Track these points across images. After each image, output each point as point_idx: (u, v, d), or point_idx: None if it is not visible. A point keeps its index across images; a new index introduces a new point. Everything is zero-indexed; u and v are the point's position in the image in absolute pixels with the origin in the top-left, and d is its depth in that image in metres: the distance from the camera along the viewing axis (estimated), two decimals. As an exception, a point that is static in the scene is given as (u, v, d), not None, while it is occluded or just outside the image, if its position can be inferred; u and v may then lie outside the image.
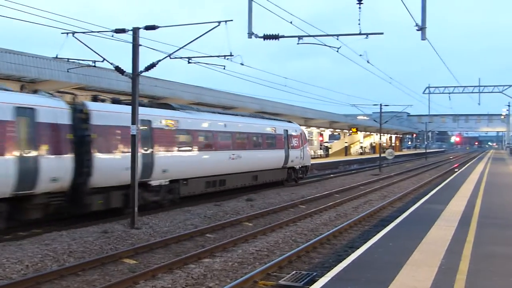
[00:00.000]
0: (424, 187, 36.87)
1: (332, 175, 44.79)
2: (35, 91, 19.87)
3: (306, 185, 37.07)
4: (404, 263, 10.93)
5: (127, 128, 19.91)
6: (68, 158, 18.51)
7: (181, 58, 20.68)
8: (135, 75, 19.12)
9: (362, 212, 23.64)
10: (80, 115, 19.59)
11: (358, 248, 12.89)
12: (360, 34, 20.23)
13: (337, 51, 21.59)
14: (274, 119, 37.65)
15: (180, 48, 19.31)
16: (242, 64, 21.88)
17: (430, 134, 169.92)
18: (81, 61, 21.71)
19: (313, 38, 21.33)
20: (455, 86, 72.19)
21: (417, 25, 18.64)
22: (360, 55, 23.68)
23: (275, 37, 20.65)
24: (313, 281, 10.91)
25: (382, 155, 57.77)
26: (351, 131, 75.61)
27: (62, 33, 18.94)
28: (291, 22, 19.03)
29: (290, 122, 39.14)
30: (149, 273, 12.75)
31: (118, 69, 19.36)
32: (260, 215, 22.47)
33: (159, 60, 19.32)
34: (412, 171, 56.66)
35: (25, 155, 16.97)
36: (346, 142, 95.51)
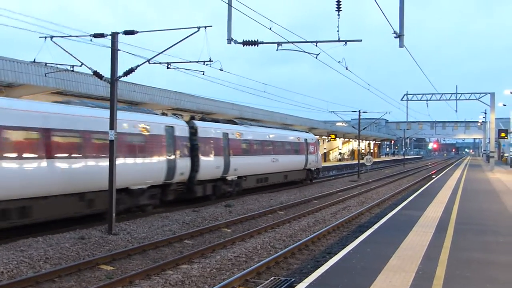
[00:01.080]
0: (402, 193, 37.08)
1: (309, 182, 45.19)
2: (164, 114, 28.32)
3: (285, 191, 37.10)
4: (381, 268, 10.97)
5: (216, 139, 29.26)
6: (188, 160, 26.40)
7: (160, 63, 20.63)
8: (113, 80, 19.03)
9: (340, 218, 23.71)
10: (192, 130, 27.36)
11: (336, 254, 12.91)
12: (338, 41, 20.33)
13: (316, 58, 21.68)
14: (297, 130, 47.36)
15: (159, 53, 19.27)
16: (221, 70, 21.88)
17: (408, 140, 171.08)
18: (59, 66, 21.54)
19: (292, 44, 21.39)
20: (432, 93, 72.71)
21: (395, 32, 18.78)
22: (339, 61, 23.78)
23: (254, 43, 20.69)
24: (291, 287, 10.91)
25: (361, 161, 58.03)
26: (329, 137, 75.84)
27: (40, 37, 18.83)
28: (270, 28, 19.06)
29: (308, 132, 48.88)
30: (126, 279, 12.66)
31: (96, 74, 19.27)
32: (238, 221, 22.43)
33: (138, 65, 19.26)
34: (390, 178, 56.99)
35: (169, 157, 24.76)
36: (325, 148, 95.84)
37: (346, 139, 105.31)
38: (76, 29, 18.97)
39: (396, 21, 19.96)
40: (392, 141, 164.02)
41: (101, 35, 18.92)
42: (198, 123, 28.11)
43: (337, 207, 28.35)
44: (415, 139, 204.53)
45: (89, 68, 19.23)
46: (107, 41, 19.09)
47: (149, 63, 19.83)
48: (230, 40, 20.51)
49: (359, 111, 56.90)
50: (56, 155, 18.60)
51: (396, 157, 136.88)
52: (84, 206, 19.92)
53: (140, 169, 22.86)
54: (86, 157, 19.85)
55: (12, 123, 17.20)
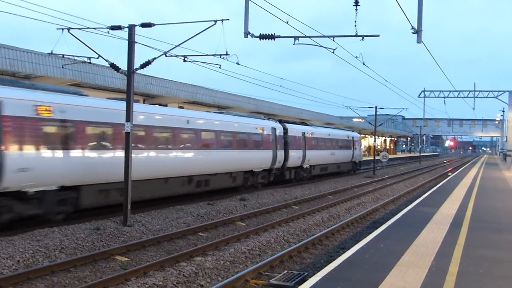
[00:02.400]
0: (417, 190, 36.95)
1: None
2: (268, 118, 38.72)
3: (299, 186, 37.16)
4: (394, 264, 10.97)
5: (298, 137, 38.69)
6: (282, 152, 35.63)
7: (176, 56, 20.68)
8: (130, 72, 19.12)
9: (354, 214, 23.70)
10: (284, 130, 36.72)
11: (349, 249, 12.92)
12: (356, 35, 20.27)
13: (333, 52, 21.63)
14: (347, 130, 58.04)
15: (176, 46, 19.33)
16: (238, 64, 21.89)
17: (424, 138, 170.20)
18: (76, 58, 21.68)
19: (309, 39, 21.36)
20: (450, 91, 72.30)
21: (412, 28, 18.69)
22: (356, 56, 23.71)
23: (271, 37, 20.67)
24: (304, 280, 10.93)
25: (376, 157, 57.83)
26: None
27: (57, 29, 18.94)
28: (287, 22, 19.05)
29: (353, 131, 59.61)
30: (141, 270, 12.76)
31: (113, 66, 19.37)
32: (253, 215, 22.49)
33: (155, 58, 19.33)
34: (406, 174, 56.78)
35: (273, 150, 34.16)
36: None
37: (362, 135, 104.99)
38: (94, 21, 19.04)
39: (414, 17, 19.88)
40: (409, 138, 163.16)
41: (118, 27, 19.00)
42: (288, 125, 37.47)
43: (351, 203, 28.32)
44: (431, 136, 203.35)
45: (106, 60, 19.34)
46: (124, 33, 19.19)
47: (166, 56, 19.89)
48: (247, 33, 20.50)
49: (376, 107, 56.67)
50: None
51: (412, 154, 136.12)
52: (231, 181, 29.77)
53: (259, 158, 32.48)
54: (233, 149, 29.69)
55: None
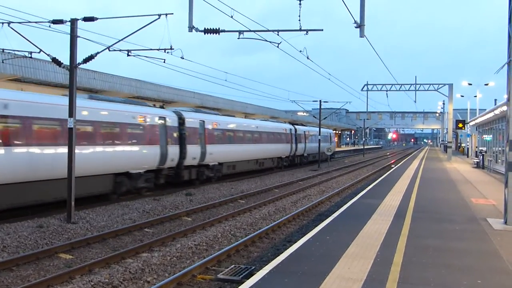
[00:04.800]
0: (361, 183, 37.51)
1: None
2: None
3: (245, 180, 37.21)
4: (340, 256, 11.10)
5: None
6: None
7: (120, 50, 20.41)
8: (72, 67, 18.79)
9: (300, 207, 23.90)
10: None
11: (296, 242, 13.01)
12: (300, 30, 20.38)
13: (278, 47, 21.70)
14: (327, 128, 76.15)
15: (120, 40, 19.09)
16: (183, 58, 21.77)
17: (368, 130, 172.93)
18: (16, 52, 21.14)
19: (254, 33, 21.38)
20: (392, 84, 73.52)
21: (355, 22, 18.89)
22: (300, 51, 23.85)
23: (216, 31, 20.60)
24: (251, 274, 10.97)
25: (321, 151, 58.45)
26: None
27: (-3, 22, 18.43)
28: (231, 17, 19.01)
29: (330, 129, 77.59)
30: (86, 268, 12.58)
31: (55, 60, 19.00)
32: (199, 210, 22.42)
33: (98, 52, 19.06)
34: (350, 167, 57.55)
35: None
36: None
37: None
38: (36, 15, 18.63)
39: (358, 12, 20.09)
40: (353, 131, 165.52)
41: (60, 21, 18.64)
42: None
43: (297, 196, 28.54)
44: (374, 129, 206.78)
45: (48, 55, 18.95)
46: (67, 27, 18.83)
47: (109, 50, 19.62)
48: (191, 28, 20.37)
49: (320, 101, 57.23)
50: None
51: (356, 147, 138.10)
52: (257, 166, 41.10)
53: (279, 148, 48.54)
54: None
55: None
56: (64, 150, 19.57)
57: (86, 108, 22.51)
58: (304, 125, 60.26)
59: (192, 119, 31.96)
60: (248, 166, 40.90)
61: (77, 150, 19.93)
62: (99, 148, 22.93)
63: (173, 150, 28.85)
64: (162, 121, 28.17)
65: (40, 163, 19.61)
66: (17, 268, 12.85)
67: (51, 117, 20.43)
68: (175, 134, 29.44)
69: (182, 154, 30.07)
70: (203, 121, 33.34)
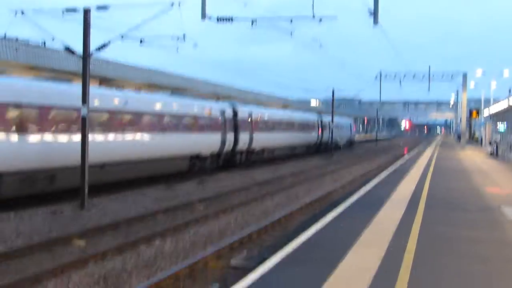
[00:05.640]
0: (374, 171, 37.40)
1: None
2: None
3: (259, 168, 37.23)
4: (353, 243, 11.09)
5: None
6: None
7: (133, 39, 20.43)
8: (86, 55, 18.83)
9: (313, 195, 23.87)
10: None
11: (309, 229, 13.00)
12: (313, 17, 20.31)
13: (291, 35, 21.64)
14: (348, 118, 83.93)
15: (133, 29, 19.11)
16: (196, 46, 21.76)
17: (381, 120, 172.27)
18: (30, 40, 21.24)
19: (267, 20, 21.32)
20: (405, 73, 73.18)
21: (369, 10, 18.82)
22: (313, 39, 23.78)
23: (229, 19, 20.58)
24: (264, 260, 10.98)
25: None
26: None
27: (11, 10, 18.50)
28: (245, 5, 18.99)
29: (350, 119, 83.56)
30: (99, 254, 12.64)
31: (68, 49, 19.05)
32: (212, 198, 22.46)
33: (111, 41, 19.07)
34: (363, 156, 57.41)
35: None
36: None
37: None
38: (48, 3, 18.69)
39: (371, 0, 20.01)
40: (365, 120, 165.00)
41: (73, 10, 18.70)
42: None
43: (310, 185, 28.52)
44: (387, 118, 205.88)
45: (61, 44, 19.00)
46: (80, 16, 18.86)
47: (122, 39, 19.65)
48: (204, 16, 20.37)
49: (333, 89, 57.09)
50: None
51: (368, 136, 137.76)
52: (290, 151, 47.73)
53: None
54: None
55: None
56: (120, 137, 23.30)
57: (166, 103, 27.70)
58: (329, 116, 61.80)
59: (242, 111, 37.35)
60: (284, 152, 47.20)
61: (167, 136, 26.58)
62: (181, 135, 28.18)
63: (230, 137, 34.54)
64: (222, 113, 33.69)
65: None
66: (31, 254, 12.94)
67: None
68: (231, 124, 34.97)
69: (236, 140, 35.58)
70: (251, 113, 38.83)
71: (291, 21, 21.00)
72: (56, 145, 19.92)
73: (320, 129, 58.03)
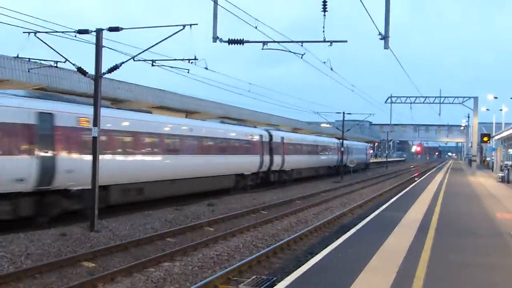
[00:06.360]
0: (384, 195, 37.26)
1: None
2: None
3: (268, 191, 37.19)
4: (362, 269, 11.03)
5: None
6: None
7: (144, 60, 20.57)
8: (97, 76, 18.96)
9: (322, 219, 23.79)
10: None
11: (318, 253, 12.95)
12: (324, 41, 20.40)
13: (301, 58, 21.72)
14: (365, 142, 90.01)
15: (144, 51, 19.25)
16: (207, 68, 21.87)
17: (391, 143, 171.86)
18: (42, 61, 21.41)
19: (278, 44, 21.43)
20: (416, 96, 73.21)
21: (380, 33, 18.88)
22: (324, 62, 23.86)
23: (240, 42, 20.70)
24: (273, 285, 10.92)
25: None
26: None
27: (24, 32, 18.69)
28: (256, 27, 19.09)
29: (367, 143, 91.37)
30: (108, 276, 12.64)
31: (80, 70, 19.18)
32: (221, 220, 22.43)
33: (123, 62, 19.19)
34: (373, 180, 57.25)
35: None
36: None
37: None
38: (61, 24, 18.83)
39: (382, 23, 20.08)
40: (376, 143, 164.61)
41: (86, 31, 18.86)
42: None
43: (319, 208, 28.44)
44: (398, 141, 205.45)
45: (73, 64, 19.13)
46: (92, 37, 19.03)
47: (134, 60, 19.78)
48: (215, 38, 20.50)
49: (343, 112, 57.11)
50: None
51: (379, 159, 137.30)
52: (314, 172, 53.13)
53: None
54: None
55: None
56: (188, 158, 28.12)
57: (220, 129, 32.83)
58: (348, 140, 67.35)
59: (276, 136, 42.15)
60: (309, 172, 52.31)
61: (219, 158, 31.63)
62: (231, 157, 33.39)
63: (266, 159, 39.32)
64: (260, 138, 38.61)
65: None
66: (40, 276, 12.95)
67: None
68: (267, 147, 39.64)
69: (271, 161, 40.25)
70: (283, 137, 43.68)
71: (302, 44, 21.11)
72: (143, 164, 24.48)
73: (339, 152, 60.63)
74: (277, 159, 41.56)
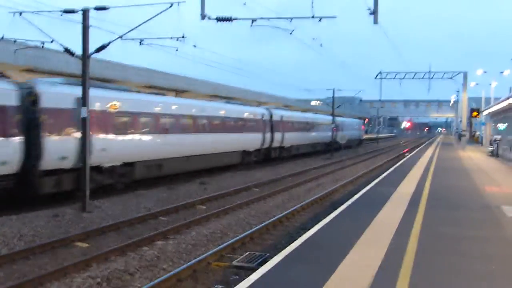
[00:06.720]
0: (375, 171, 37.42)
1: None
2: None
3: (259, 169, 37.26)
4: (354, 243, 11.11)
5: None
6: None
7: (132, 39, 20.46)
8: (85, 57, 18.82)
9: (314, 195, 23.89)
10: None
11: (310, 229, 13.02)
12: (313, 17, 20.33)
13: (291, 34, 21.65)
14: (357, 119, 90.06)
15: (132, 29, 19.10)
16: (195, 46, 21.80)
17: (381, 119, 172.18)
18: (29, 42, 21.23)
19: (267, 20, 21.34)
20: (406, 72, 73.17)
21: (369, 8, 18.82)
22: (313, 39, 23.81)
23: (228, 19, 20.60)
24: (266, 261, 10.99)
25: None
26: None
27: (9, 12, 18.50)
28: (244, 4, 19.00)
29: (361, 119, 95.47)
30: (102, 256, 12.67)
31: (67, 50, 19.04)
32: (213, 198, 22.48)
33: (110, 42, 19.06)
34: (364, 156, 57.44)
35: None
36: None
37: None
38: (47, 4, 18.68)
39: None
40: (366, 120, 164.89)
41: (72, 11, 18.68)
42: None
43: (311, 184, 28.54)
44: (388, 117, 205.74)
45: (60, 45, 18.98)
46: (79, 16, 18.84)
47: (122, 39, 19.66)
48: (203, 16, 20.38)
49: (333, 89, 57.10)
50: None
51: (369, 136, 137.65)
52: (311, 149, 55.28)
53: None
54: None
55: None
56: (200, 136, 30.41)
57: (226, 109, 35.06)
58: (341, 116, 71.96)
59: (276, 114, 44.20)
60: (307, 149, 54.26)
61: (227, 136, 34.05)
62: (238, 135, 35.88)
63: (268, 136, 41.65)
64: (262, 116, 40.69)
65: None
66: (33, 257, 12.97)
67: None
68: (268, 125, 41.92)
69: (272, 139, 42.50)
70: (282, 115, 45.52)
71: (291, 20, 21.03)
72: (163, 142, 26.36)
73: (334, 128, 61.24)
74: (277, 136, 43.89)
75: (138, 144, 24.62)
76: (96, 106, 21.77)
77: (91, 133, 20.44)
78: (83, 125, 18.90)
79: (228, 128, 34.53)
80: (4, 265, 12.17)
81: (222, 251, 13.24)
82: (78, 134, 19.93)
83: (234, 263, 12.17)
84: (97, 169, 21.91)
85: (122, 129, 23.43)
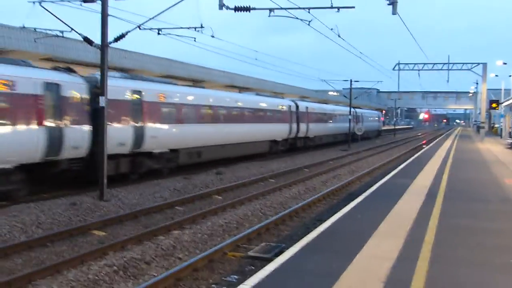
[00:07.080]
0: (392, 163, 37.24)
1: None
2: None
3: (276, 159, 37.24)
4: (371, 234, 11.07)
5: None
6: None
7: (151, 29, 20.47)
8: (104, 46, 18.85)
9: (330, 186, 23.84)
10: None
11: (326, 220, 12.99)
12: (331, 7, 20.21)
13: (309, 24, 21.53)
14: (376, 111, 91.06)
15: (151, 19, 19.11)
16: (213, 37, 21.76)
17: (399, 110, 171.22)
18: (48, 31, 21.33)
19: (285, 10, 21.25)
20: (424, 63, 72.68)
21: (388, -1, 18.66)
22: (331, 29, 23.66)
23: (246, 9, 20.54)
24: (281, 252, 10.99)
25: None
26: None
27: (29, 1, 18.59)
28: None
29: (380, 111, 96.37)
30: (118, 244, 12.74)
31: (86, 39, 19.08)
32: (229, 189, 22.51)
33: (129, 31, 19.07)
34: (381, 147, 57.19)
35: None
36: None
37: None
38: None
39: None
40: (383, 111, 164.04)
41: (92, 0, 18.71)
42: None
43: (327, 176, 28.48)
44: (406, 109, 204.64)
45: (79, 34, 19.03)
46: (98, 6, 18.88)
47: (140, 29, 19.66)
48: (221, 5, 20.34)
49: (351, 80, 56.83)
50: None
51: (387, 127, 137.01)
52: (333, 139, 57.59)
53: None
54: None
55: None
56: (234, 126, 32.74)
57: (257, 100, 37.60)
58: (360, 108, 73.99)
59: (301, 106, 46.34)
60: (329, 139, 56.62)
61: (258, 126, 36.21)
62: (267, 125, 38.03)
63: (294, 126, 43.75)
64: (288, 108, 42.66)
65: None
66: (51, 244, 13.07)
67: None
68: (294, 116, 43.89)
69: (298, 129, 44.66)
70: (307, 107, 47.70)
71: (309, 10, 20.92)
72: (202, 131, 28.83)
73: (355, 120, 63.96)
74: (302, 127, 46.02)
75: (182, 133, 26.82)
76: (148, 97, 24.01)
77: (143, 122, 23.41)
78: (101, 114, 18.95)
79: (259, 119, 36.70)
80: (22, 252, 12.28)
81: (238, 242, 13.24)
82: (134, 123, 22.85)
83: (250, 253, 12.17)
84: (148, 154, 24.22)
85: (168, 119, 25.58)
